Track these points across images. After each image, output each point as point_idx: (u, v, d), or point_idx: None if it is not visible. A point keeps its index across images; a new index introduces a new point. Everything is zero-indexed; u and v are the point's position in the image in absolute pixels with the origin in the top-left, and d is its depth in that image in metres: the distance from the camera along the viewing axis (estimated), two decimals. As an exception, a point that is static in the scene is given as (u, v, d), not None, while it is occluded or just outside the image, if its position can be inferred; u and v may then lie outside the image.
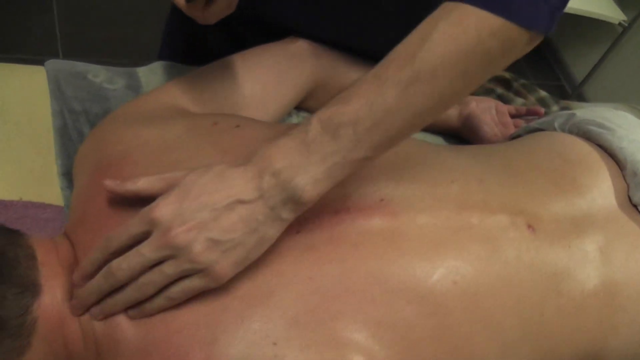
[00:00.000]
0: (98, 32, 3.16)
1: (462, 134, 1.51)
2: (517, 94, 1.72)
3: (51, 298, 0.83)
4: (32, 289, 0.82)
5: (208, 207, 0.80)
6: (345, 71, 1.33)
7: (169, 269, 0.80)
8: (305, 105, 1.37)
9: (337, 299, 0.87)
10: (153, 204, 0.81)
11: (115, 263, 0.81)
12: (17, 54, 2.87)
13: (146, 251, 0.80)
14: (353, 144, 0.82)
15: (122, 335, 0.83)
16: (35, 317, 0.81)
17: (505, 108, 1.52)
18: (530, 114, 1.53)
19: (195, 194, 0.81)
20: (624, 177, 1.19)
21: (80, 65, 1.37)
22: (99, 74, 1.36)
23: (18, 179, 1.18)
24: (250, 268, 0.86)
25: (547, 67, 4.10)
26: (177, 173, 0.86)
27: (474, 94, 1.64)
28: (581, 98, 3.82)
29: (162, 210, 0.80)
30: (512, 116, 1.52)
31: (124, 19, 3.28)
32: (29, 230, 0.91)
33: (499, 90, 1.70)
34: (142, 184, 0.87)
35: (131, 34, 3.22)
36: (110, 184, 0.88)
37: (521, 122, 1.50)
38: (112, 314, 0.83)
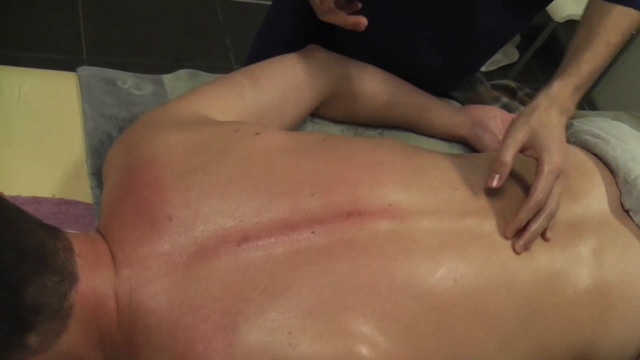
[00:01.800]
0: (122, 31, 3.19)
1: (468, 141, 1.54)
2: (522, 102, 1.75)
3: (87, 286, 0.89)
4: (69, 278, 0.88)
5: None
6: (356, 82, 1.39)
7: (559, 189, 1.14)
8: (319, 112, 1.43)
9: (348, 293, 0.95)
10: (555, 158, 1.12)
11: (550, 204, 1.11)
12: (42, 53, 2.89)
13: (559, 188, 1.13)
14: (587, 82, 1.23)
15: (154, 321, 0.91)
16: (72, 304, 0.87)
17: (509, 117, 1.56)
18: (533, 122, 1.58)
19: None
20: (616, 184, 1.26)
21: (109, 72, 1.43)
22: (127, 81, 1.42)
23: (51, 178, 1.24)
24: (269, 264, 0.95)
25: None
26: (515, 133, 1.15)
27: (482, 102, 1.69)
28: (591, 103, 3.84)
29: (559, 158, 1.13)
30: (516, 124, 1.57)
31: (148, 19, 3.31)
32: (62, 225, 0.96)
33: (505, 99, 1.73)
34: (508, 158, 1.14)
35: (154, 34, 3.25)
36: (492, 182, 1.13)
37: (524, 131, 1.55)
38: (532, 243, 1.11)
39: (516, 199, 1.15)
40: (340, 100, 1.40)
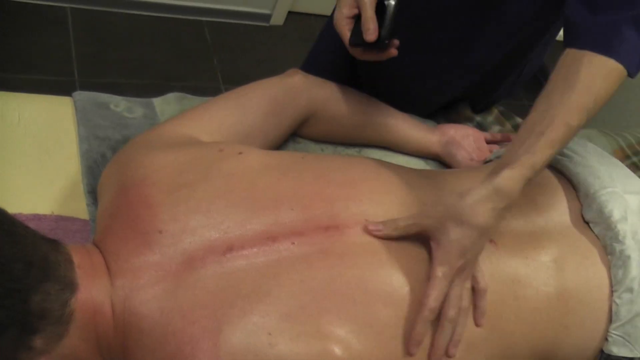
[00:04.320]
0: (113, 53, 3.22)
1: (441, 159, 1.59)
2: (497, 120, 1.80)
3: (86, 294, 0.97)
4: (70, 286, 0.95)
5: None
6: (334, 104, 1.46)
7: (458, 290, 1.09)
8: (299, 132, 1.49)
9: (324, 299, 1.02)
10: (452, 259, 1.07)
11: (447, 312, 1.07)
12: (36, 75, 2.93)
13: (459, 290, 1.09)
14: (541, 170, 1.10)
15: (147, 326, 0.98)
16: (73, 310, 0.95)
17: (481, 135, 1.62)
18: (504, 140, 1.63)
19: None
20: (578, 197, 1.32)
21: (103, 96, 1.48)
22: (119, 104, 1.48)
23: (50, 196, 1.29)
24: (252, 272, 1.02)
25: (541, 90, 4.13)
26: (418, 218, 1.11)
27: (457, 120, 1.75)
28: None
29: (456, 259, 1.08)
30: (488, 142, 1.62)
31: (139, 41, 3.34)
32: (61, 239, 1.03)
33: (478, 118, 1.78)
34: (392, 233, 1.12)
35: (145, 56, 3.28)
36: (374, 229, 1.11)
37: (496, 148, 1.60)
38: None
39: None
40: (319, 121, 1.46)
